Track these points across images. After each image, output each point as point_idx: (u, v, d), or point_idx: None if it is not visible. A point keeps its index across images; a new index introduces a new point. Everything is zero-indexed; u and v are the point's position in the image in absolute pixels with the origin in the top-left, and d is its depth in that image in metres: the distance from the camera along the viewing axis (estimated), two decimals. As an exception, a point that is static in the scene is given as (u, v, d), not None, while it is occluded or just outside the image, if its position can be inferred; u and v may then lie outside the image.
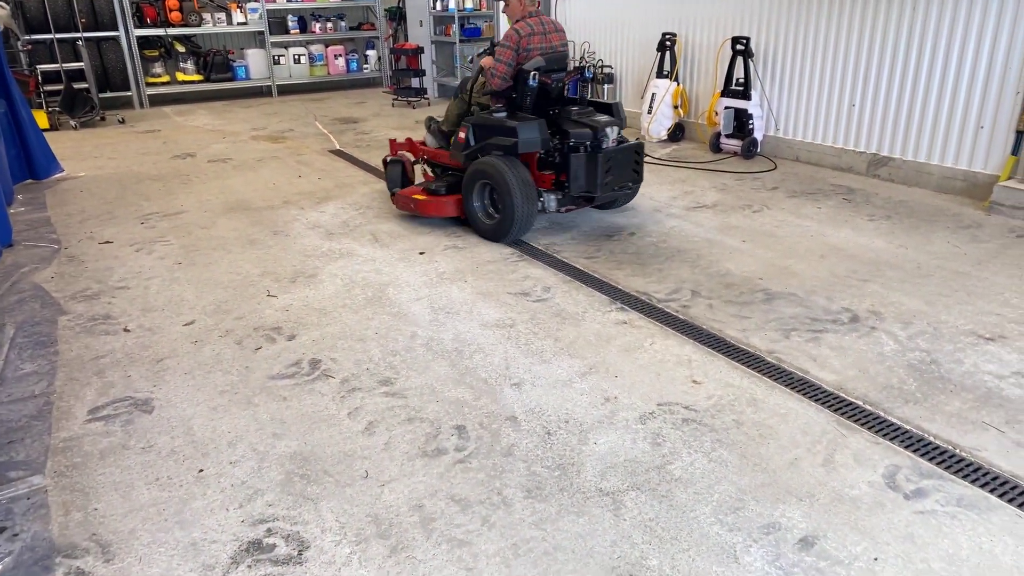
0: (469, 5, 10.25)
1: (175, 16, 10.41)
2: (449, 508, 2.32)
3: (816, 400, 2.86)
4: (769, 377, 3.03)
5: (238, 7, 10.89)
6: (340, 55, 11.88)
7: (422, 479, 2.46)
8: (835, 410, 2.79)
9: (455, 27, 10.15)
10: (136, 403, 2.95)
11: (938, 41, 5.37)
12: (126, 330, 3.59)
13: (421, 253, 4.53)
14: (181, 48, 10.82)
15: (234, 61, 11.19)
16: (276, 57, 11.28)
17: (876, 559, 2.08)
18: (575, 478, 2.45)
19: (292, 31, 11.44)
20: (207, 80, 10.97)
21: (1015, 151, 5.02)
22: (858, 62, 5.94)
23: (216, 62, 10.95)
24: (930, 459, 2.50)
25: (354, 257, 4.49)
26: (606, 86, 8.43)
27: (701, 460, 2.53)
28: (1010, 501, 2.29)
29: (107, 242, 4.86)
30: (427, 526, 2.25)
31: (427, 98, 10.41)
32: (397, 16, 11.94)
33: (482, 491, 2.40)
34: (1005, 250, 4.33)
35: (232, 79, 11.13)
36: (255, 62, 11.24)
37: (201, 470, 2.53)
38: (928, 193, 5.53)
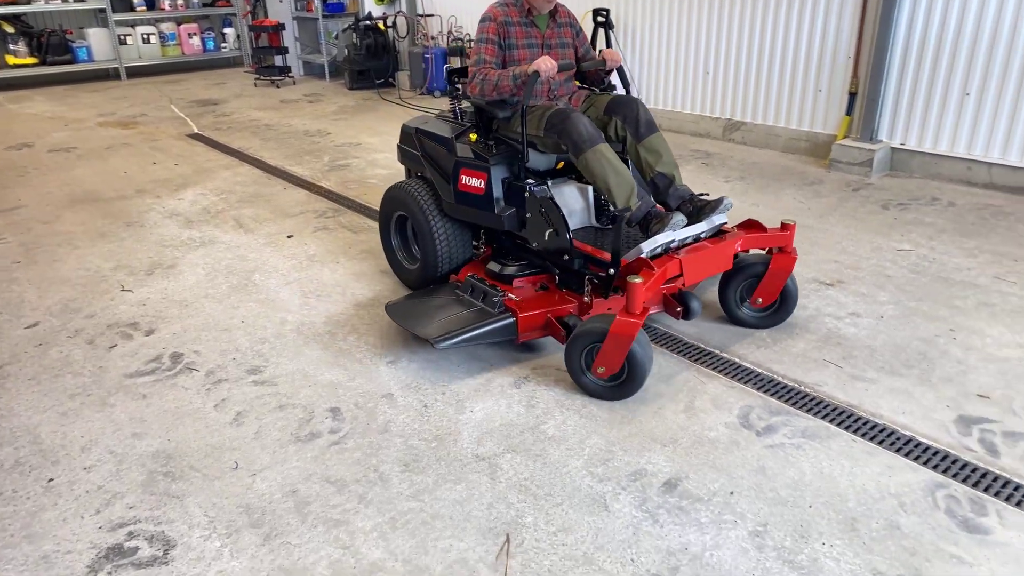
0: (330, -21, 9.89)
1: (-1, -7, 9.42)
2: (325, 490, 2.29)
3: (678, 352, 3.02)
4: (635, 334, 3.16)
5: (73, -18, 9.99)
6: (195, 34, 11.18)
7: (296, 464, 2.41)
8: (695, 360, 2.96)
9: (317, 2, 9.78)
10: (-28, 416, 2.70)
11: (779, 10, 5.71)
12: (-43, 338, 3.26)
13: (289, 236, 4.38)
14: (10, 28, 9.81)
15: (73, 42, 10.28)
16: (122, 37, 10.46)
17: (732, 493, 2.24)
18: (452, 447, 2.48)
19: (138, 8, 10.63)
20: (43, 63, 10.02)
21: (848, 111, 5.45)
22: (709, 31, 6.23)
23: (52, 43, 10.01)
24: (778, 397, 2.70)
25: (216, 244, 4.28)
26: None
27: (573, 417, 2.61)
28: (847, 428, 2.52)
29: (-70, 244, 4.39)
30: (302, 510, 2.20)
31: (292, 76, 10.02)
32: (254, -9, 11.36)
33: (358, 470, 2.38)
34: (843, 203, 4.72)
35: (72, 61, 10.22)
36: (98, 42, 10.37)
37: (51, 479, 2.36)
38: (777, 154, 5.91)
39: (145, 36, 10.71)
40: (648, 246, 2.80)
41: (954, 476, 2.28)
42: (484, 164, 3.16)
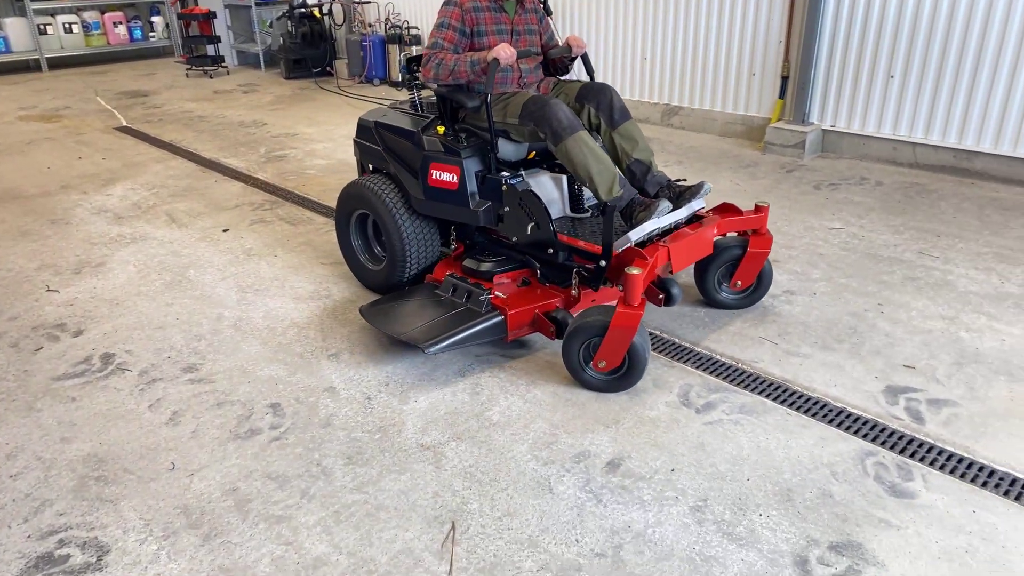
0: (262, -35, 9.62)
1: (-97, -21, 8.86)
2: (266, 487, 2.25)
3: (620, 335, 3.05)
4: (578, 318, 3.19)
5: (-15, -31, 9.48)
6: (120, 22, 10.73)
7: (235, 462, 2.36)
8: (637, 342, 3.00)
9: (249, -11, 9.50)
10: None
11: (712, -4, 5.81)
12: None
13: (225, 230, 4.27)
14: (-83, 18, 9.26)
15: (-12, 32, 9.77)
16: (42, 26, 9.97)
17: (673, 470, 2.28)
18: (396, 438, 2.46)
19: (58, -4, 10.14)
20: (-44, 54, 9.50)
21: (781, 95, 5.58)
22: (647, 17, 6.29)
23: (-35, 33, 9.49)
24: (717, 375, 2.77)
25: (148, 240, 4.14)
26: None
27: (517, 403, 2.62)
28: (782, 403, 2.60)
29: None
30: (243, 508, 2.16)
31: (225, 66, 9.72)
32: (183, -22, 10.97)
33: (300, 465, 2.34)
34: (777, 185, 4.84)
35: (-11, 53, 9.72)
36: (16, 32, 9.86)
37: (-26, 490, 2.25)
38: (714, 137, 6.02)
39: (67, 25, 10.23)
40: (636, 235, 2.74)
41: (882, 444, 2.37)
42: (456, 157, 3.02)
